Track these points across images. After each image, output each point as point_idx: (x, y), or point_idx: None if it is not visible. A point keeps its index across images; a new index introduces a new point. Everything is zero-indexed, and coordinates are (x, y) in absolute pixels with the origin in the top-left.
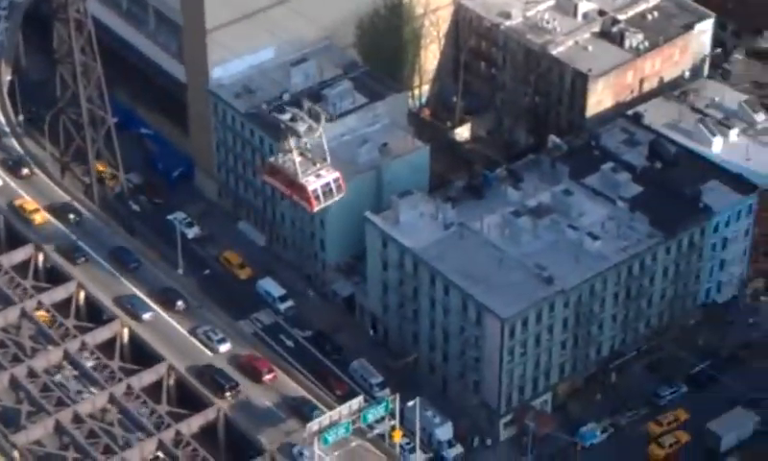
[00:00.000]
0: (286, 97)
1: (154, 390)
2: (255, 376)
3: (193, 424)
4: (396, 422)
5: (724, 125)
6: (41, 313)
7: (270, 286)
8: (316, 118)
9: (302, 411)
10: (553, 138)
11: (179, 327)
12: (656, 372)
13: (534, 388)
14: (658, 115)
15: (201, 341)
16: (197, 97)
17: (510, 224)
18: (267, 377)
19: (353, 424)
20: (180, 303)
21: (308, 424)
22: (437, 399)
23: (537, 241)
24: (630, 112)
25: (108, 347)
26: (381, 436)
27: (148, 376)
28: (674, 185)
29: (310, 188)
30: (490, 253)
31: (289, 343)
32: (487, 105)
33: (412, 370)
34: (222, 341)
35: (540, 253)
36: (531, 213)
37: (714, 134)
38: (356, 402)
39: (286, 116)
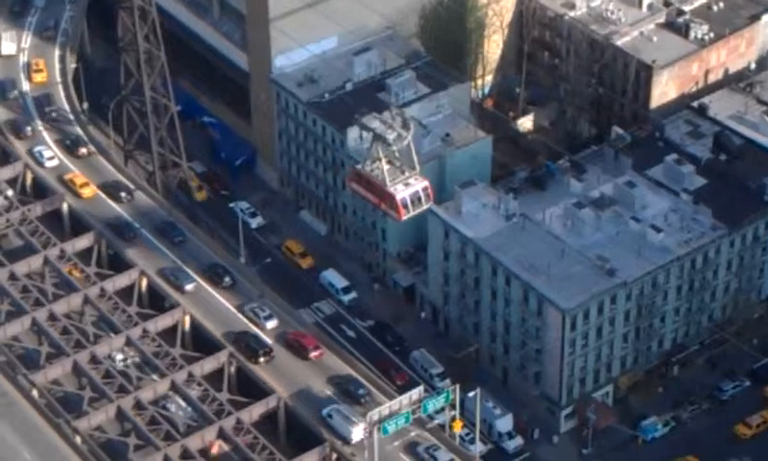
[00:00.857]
0: (349, 87)
1: (214, 377)
2: (302, 353)
3: (254, 412)
4: (457, 412)
5: None
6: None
7: (333, 277)
8: (405, 126)
9: (356, 396)
10: (616, 130)
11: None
12: (718, 366)
13: (595, 380)
14: (723, 107)
15: (248, 317)
16: (260, 86)
17: (572, 215)
18: (313, 354)
19: (413, 415)
20: (227, 278)
21: (369, 414)
22: (497, 390)
23: (599, 233)
24: (695, 104)
25: (170, 334)
26: (441, 426)
27: (209, 364)
28: (738, 178)
29: (398, 197)
30: (551, 244)
31: (350, 333)
32: (550, 95)
33: (473, 361)
34: (269, 317)
35: (602, 244)
36: (593, 205)
37: None
38: (416, 393)
39: (375, 124)
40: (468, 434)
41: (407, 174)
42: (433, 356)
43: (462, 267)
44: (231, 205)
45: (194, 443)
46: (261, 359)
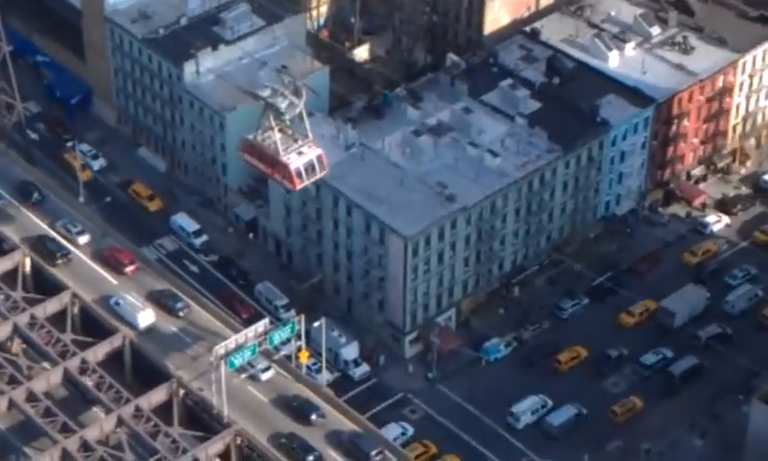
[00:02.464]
0: (183, 22)
1: (58, 319)
2: (118, 268)
3: (99, 351)
4: (302, 343)
5: (620, 39)
6: None
7: (183, 221)
8: (297, 93)
9: (174, 310)
10: (451, 57)
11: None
12: (557, 285)
13: (438, 305)
14: (554, 31)
15: (60, 234)
16: (93, 23)
17: (410, 143)
18: (129, 269)
19: (259, 347)
20: (35, 195)
21: (214, 348)
22: (342, 319)
23: (437, 159)
24: (527, 29)
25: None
26: (287, 357)
27: (52, 305)
28: (572, 100)
29: (292, 167)
30: (391, 172)
31: (194, 268)
32: (385, 25)
33: (317, 291)
34: (81, 233)
35: (441, 171)
36: (431, 132)
37: (611, 49)
38: (262, 325)
39: (266, 92)
40: (314, 364)
41: (300, 142)
42: (277, 288)
43: (303, 198)
44: (69, 143)
45: (39, 386)
46: (59, 261)
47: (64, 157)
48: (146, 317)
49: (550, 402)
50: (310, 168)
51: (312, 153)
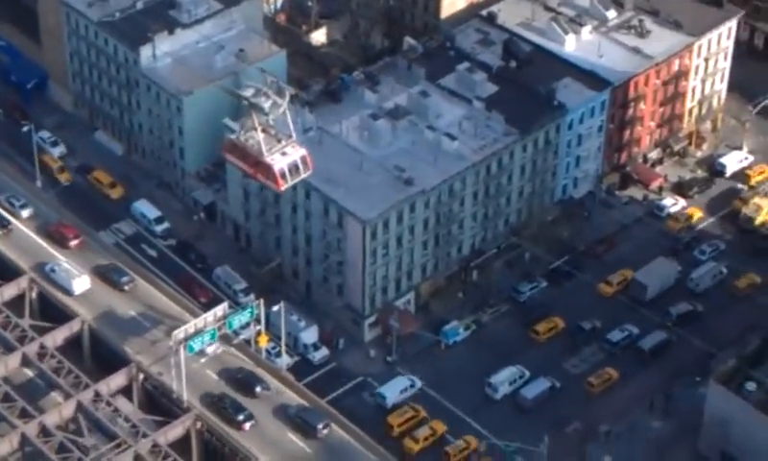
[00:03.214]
0: (140, 5)
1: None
2: (63, 243)
3: (57, 336)
4: (262, 327)
5: (576, 23)
6: None
7: (145, 208)
8: (280, 93)
9: (119, 284)
10: (408, 40)
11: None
12: (515, 268)
13: (397, 289)
14: (511, 15)
15: (3, 208)
16: (48, 7)
17: (368, 127)
18: (73, 243)
19: (219, 331)
20: None
21: (174, 332)
22: (301, 303)
23: (395, 143)
24: (484, 13)
25: None
26: (247, 342)
27: (9, 290)
28: (529, 84)
29: (276, 167)
30: (349, 156)
31: (152, 252)
32: (342, 8)
33: (276, 275)
34: (24, 206)
35: (399, 154)
36: (389, 115)
37: (567, 32)
38: (221, 309)
39: (249, 92)
40: (274, 348)
41: (284, 143)
42: (236, 272)
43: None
44: (25, 128)
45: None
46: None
47: (42, 157)
48: (81, 283)
49: (527, 373)
50: (294, 169)
51: (296, 153)
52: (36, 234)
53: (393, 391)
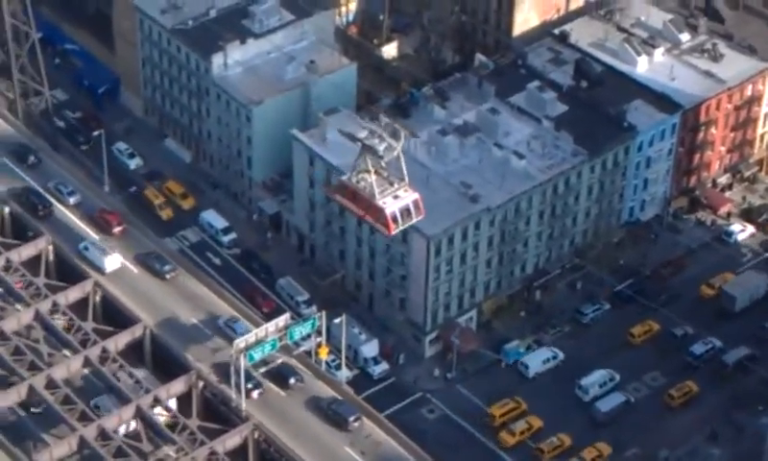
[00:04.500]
0: (213, 13)
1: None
2: (106, 229)
3: (120, 341)
4: (323, 339)
5: (649, 44)
6: None
7: (212, 218)
8: (395, 136)
9: (161, 272)
10: (480, 57)
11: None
12: (579, 290)
13: (459, 306)
14: (584, 34)
15: (52, 194)
16: (122, 13)
17: (436, 142)
18: (116, 230)
19: (280, 342)
20: (31, 157)
21: (235, 341)
22: (363, 316)
23: (463, 159)
24: (556, 32)
25: (34, 263)
26: (307, 353)
27: (74, 293)
28: (599, 104)
29: (388, 211)
30: (416, 171)
31: (216, 261)
32: (414, 23)
33: (338, 287)
34: (72, 193)
35: (465, 171)
36: (457, 132)
37: (639, 54)
38: (282, 320)
39: (363, 134)
40: (333, 360)
41: (396, 185)
42: (299, 284)
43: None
44: (95, 133)
45: (59, 373)
46: (41, 212)
47: (144, 193)
48: (113, 261)
49: (617, 377)
50: (406, 213)
51: (408, 197)
52: (78, 218)
53: (536, 361)
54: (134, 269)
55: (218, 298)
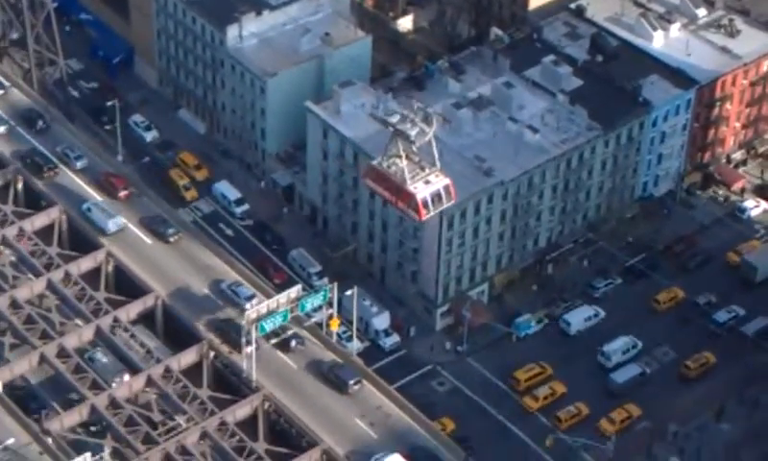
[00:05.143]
0: None
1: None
2: (112, 193)
3: (131, 310)
4: (334, 311)
5: (665, 19)
6: None
7: (226, 189)
8: (427, 121)
9: (164, 235)
10: (495, 31)
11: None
12: (591, 264)
13: (471, 279)
14: (600, 9)
15: (60, 158)
16: None
17: (450, 115)
18: (122, 194)
19: (291, 313)
20: (40, 122)
21: (246, 312)
22: (374, 288)
23: (477, 133)
24: (572, 6)
25: (47, 232)
26: (319, 325)
27: (86, 263)
28: (614, 79)
29: (419, 197)
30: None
31: (229, 232)
32: None
33: (350, 259)
34: (79, 157)
35: (479, 144)
36: (472, 105)
37: (655, 29)
38: (294, 291)
39: (394, 118)
40: (345, 332)
41: (427, 171)
42: (311, 255)
43: (340, 167)
44: (109, 103)
45: (71, 341)
46: (45, 174)
47: (169, 173)
48: (116, 222)
49: (640, 344)
50: (437, 198)
51: (440, 182)
52: (82, 181)
53: (577, 318)
54: (138, 232)
55: (222, 262)
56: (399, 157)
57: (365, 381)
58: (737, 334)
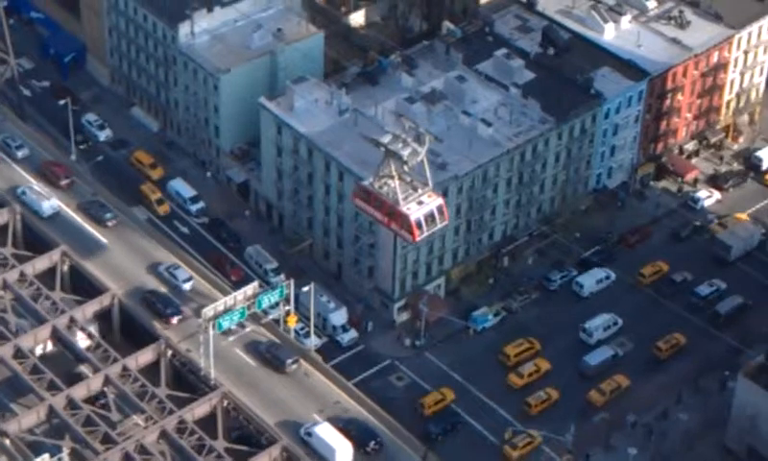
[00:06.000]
0: None
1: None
2: (53, 182)
3: (87, 310)
4: (291, 307)
5: (616, 12)
6: None
7: (180, 186)
8: (419, 140)
9: (102, 220)
10: (447, 25)
11: None
12: (546, 256)
13: (427, 273)
14: (551, 2)
15: (1, 149)
16: None
17: (404, 110)
18: (63, 183)
19: (248, 310)
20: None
21: (203, 310)
22: (331, 284)
23: (431, 127)
24: None
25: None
26: (276, 321)
27: (41, 263)
28: (566, 72)
29: (413, 217)
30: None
31: (184, 230)
32: None
33: (307, 255)
34: (20, 147)
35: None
36: (425, 99)
37: (606, 21)
38: (251, 288)
39: (386, 138)
40: (302, 328)
41: (420, 191)
42: (267, 252)
43: (295, 163)
44: (61, 102)
45: (26, 342)
46: None
47: (141, 188)
48: (50, 205)
49: (620, 321)
50: (430, 218)
51: (433, 202)
52: (25, 171)
53: (590, 281)
54: (75, 216)
55: (158, 245)
56: (392, 177)
57: (322, 376)
58: (713, 313)
